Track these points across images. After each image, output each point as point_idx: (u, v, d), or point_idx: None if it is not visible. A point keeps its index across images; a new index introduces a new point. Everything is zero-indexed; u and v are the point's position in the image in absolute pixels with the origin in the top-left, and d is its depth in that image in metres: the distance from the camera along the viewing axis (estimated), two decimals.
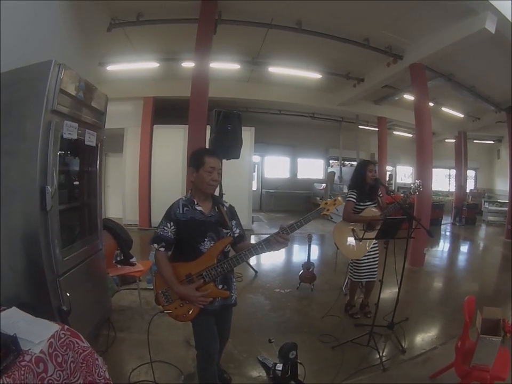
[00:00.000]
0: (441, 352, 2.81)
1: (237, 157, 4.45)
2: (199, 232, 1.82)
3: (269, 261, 5.56)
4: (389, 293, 3.71)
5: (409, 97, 7.85)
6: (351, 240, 3.21)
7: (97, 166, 2.89)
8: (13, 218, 2.06)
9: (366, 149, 12.24)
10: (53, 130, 2.08)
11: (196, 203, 1.86)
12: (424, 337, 3.12)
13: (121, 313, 3.33)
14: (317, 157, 12.96)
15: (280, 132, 11.63)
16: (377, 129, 10.54)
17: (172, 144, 7.74)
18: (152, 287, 3.02)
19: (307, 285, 4.19)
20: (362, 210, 3.26)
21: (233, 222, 1.95)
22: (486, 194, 12.71)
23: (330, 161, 13.02)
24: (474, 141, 12.93)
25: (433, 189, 7.54)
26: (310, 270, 4.20)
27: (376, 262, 3.33)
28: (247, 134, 7.22)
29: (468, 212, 10.42)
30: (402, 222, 2.74)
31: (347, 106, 9.01)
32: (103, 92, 2.82)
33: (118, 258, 3.72)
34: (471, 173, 14.16)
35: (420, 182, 3.21)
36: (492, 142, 13.41)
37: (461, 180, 11.48)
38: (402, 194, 3.64)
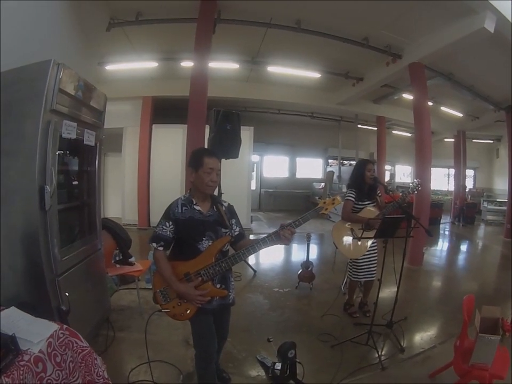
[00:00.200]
0: (440, 351, 2.81)
1: (236, 156, 4.45)
2: (198, 231, 1.82)
3: (268, 260, 5.57)
4: (387, 292, 3.71)
5: (408, 96, 7.84)
6: (350, 239, 3.22)
7: (96, 166, 2.89)
8: (12, 218, 2.05)
9: (365, 148, 12.25)
10: (52, 130, 2.08)
11: (194, 203, 1.86)
12: (423, 336, 3.13)
13: (120, 313, 3.33)
14: (316, 156, 12.97)
15: (279, 131, 11.64)
16: (376, 128, 10.56)
17: (171, 143, 7.75)
18: (151, 287, 3.02)
19: (306, 284, 4.19)
20: (361, 209, 3.27)
21: (233, 221, 1.95)
22: (485, 194, 12.74)
23: (329, 161, 13.03)
24: (473, 140, 12.94)
25: (432, 188, 7.56)
26: (309, 269, 4.20)
27: (375, 261, 3.33)
28: (246, 134, 7.20)
29: (467, 211, 10.45)
30: (401, 221, 2.75)
31: (346, 106, 9.01)
32: (102, 92, 2.81)
33: (117, 258, 3.72)
34: (470, 172, 14.19)
35: (418, 181, 3.21)
36: (491, 141, 13.43)
37: (461, 179, 11.50)
38: (401, 194, 3.65)
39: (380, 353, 2.65)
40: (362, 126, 11.29)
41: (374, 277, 3.32)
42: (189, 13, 4.74)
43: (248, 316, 3.42)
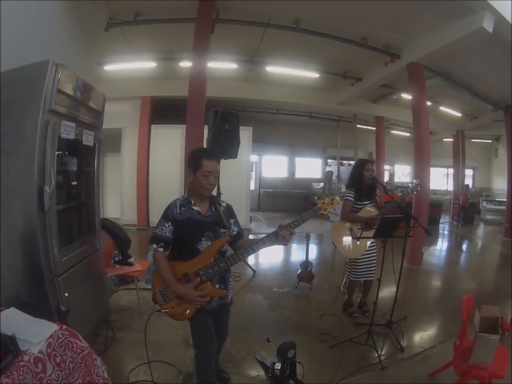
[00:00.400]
0: (439, 350, 2.81)
1: (235, 156, 4.44)
2: (196, 232, 1.82)
3: (267, 260, 5.57)
4: (387, 291, 3.71)
5: (407, 96, 7.85)
6: (349, 239, 3.22)
7: (95, 166, 2.88)
8: (11, 218, 2.05)
9: (364, 148, 12.26)
10: (51, 130, 2.08)
11: (193, 203, 1.86)
12: (423, 335, 3.14)
13: (120, 313, 3.32)
14: (315, 156, 12.97)
15: (278, 131, 11.64)
16: (375, 128, 10.57)
17: (169, 143, 7.75)
18: (150, 287, 3.02)
19: (305, 284, 4.19)
20: (360, 209, 3.27)
21: (231, 221, 1.95)
22: (484, 193, 12.75)
23: (328, 161, 13.03)
24: (472, 140, 12.97)
25: (431, 187, 7.57)
26: (308, 269, 4.20)
27: (374, 261, 3.33)
28: (245, 134, 7.20)
29: (466, 211, 10.46)
30: (400, 221, 2.75)
31: (345, 106, 9.02)
32: (100, 92, 2.81)
33: (117, 258, 3.71)
34: (469, 172, 14.21)
35: (417, 181, 3.22)
36: (490, 141, 13.46)
37: (460, 179, 11.50)
38: (400, 194, 3.65)
39: (379, 353, 2.65)
40: (361, 126, 11.30)
41: (373, 276, 3.32)
42: (187, 13, 4.74)
43: (248, 316, 3.42)
